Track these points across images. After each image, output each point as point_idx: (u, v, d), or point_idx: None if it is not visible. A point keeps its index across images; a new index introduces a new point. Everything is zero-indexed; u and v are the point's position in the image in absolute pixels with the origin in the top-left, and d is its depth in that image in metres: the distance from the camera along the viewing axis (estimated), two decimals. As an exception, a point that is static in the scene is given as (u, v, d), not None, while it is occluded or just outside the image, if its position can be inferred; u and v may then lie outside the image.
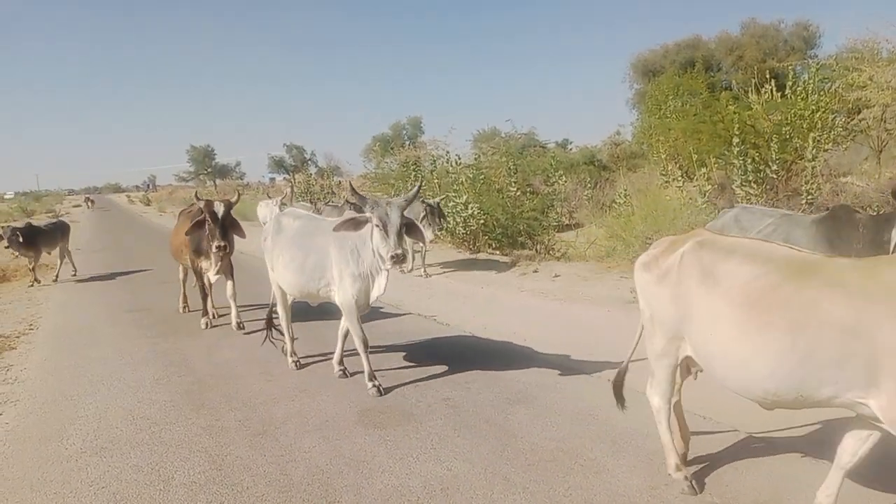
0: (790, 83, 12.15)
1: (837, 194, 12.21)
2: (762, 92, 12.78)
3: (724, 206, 7.97)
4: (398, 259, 4.54)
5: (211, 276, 7.42)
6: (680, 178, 11.09)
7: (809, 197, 9.77)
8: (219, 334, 7.26)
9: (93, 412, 4.87)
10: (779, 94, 12.68)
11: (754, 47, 25.49)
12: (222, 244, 6.70)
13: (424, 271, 11.19)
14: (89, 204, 50.68)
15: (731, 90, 21.06)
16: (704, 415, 4.21)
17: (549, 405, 4.65)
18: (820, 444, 3.49)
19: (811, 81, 11.71)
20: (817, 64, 12.89)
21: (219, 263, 7.26)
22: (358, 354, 5.13)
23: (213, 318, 7.82)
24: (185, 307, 8.62)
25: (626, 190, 12.51)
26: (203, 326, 7.51)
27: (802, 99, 11.50)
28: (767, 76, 13.03)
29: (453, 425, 4.35)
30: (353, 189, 4.85)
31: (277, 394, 5.13)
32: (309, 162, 54.14)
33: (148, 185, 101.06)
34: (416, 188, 5.03)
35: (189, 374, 5.78)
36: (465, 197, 13.36)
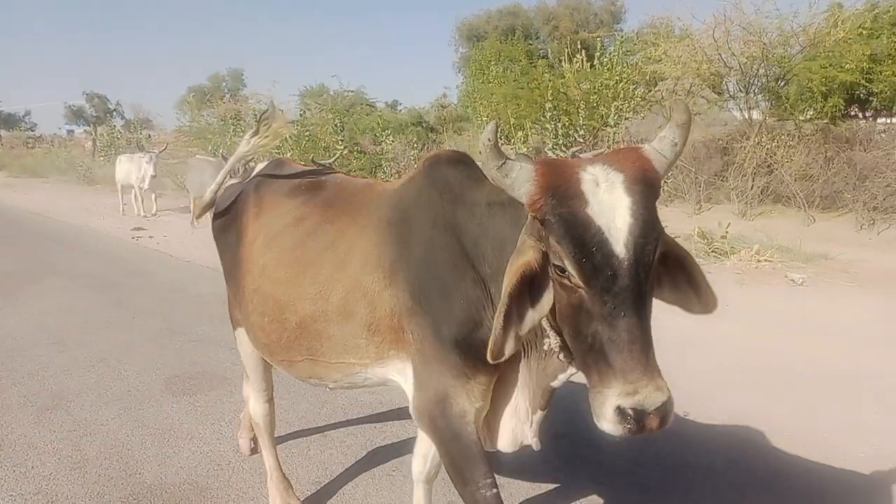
0: (598, 55, 13.10)
1: (635, 160, 13.50)
2: (574, 62, 13.64)
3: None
4: None
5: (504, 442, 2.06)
6: (501, 141, 11.59)
7: (612, 161, 10.67)
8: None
9: None
10: (588, 65, 13.63)
11: (568, 18, 26.97)
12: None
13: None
14: None
15: (547, 59, 22.21)
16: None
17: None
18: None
19: (616, 54, 12.71)
20: (621, 38, 14.02)
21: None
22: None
23: None
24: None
25: (450, 151, 12.83)
26: None
27: (608, 70, 12.46)
28: (579, 47, 13.91)
29: (270, 386, 4.22)
30: None
31: (70, 365, 4.63)
32: (114, 113, 48.95)
33: None
34: None
35: (-41, 349, 5.03)
36: (289, 154, 12.93)
